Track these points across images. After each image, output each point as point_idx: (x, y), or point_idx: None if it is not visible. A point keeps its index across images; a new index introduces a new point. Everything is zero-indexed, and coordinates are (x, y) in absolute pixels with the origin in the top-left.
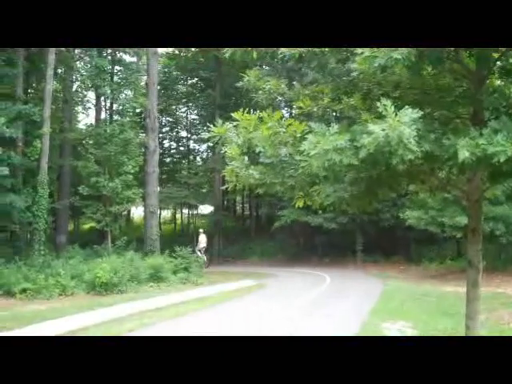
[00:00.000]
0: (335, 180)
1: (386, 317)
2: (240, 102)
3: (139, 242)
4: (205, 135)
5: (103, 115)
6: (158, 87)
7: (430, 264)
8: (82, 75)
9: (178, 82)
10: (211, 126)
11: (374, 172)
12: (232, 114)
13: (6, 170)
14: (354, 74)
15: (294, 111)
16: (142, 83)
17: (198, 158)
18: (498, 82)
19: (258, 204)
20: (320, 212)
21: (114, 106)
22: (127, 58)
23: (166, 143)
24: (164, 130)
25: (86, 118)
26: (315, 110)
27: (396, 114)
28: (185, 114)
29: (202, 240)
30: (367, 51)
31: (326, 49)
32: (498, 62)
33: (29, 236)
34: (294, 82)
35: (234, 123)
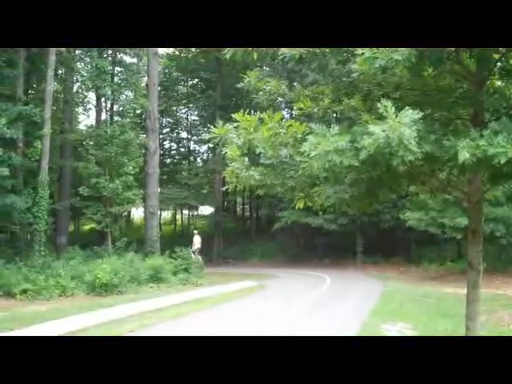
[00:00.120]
0: (336, 181)
1: (386, 318)
2: (240, 102)
3: (139, 243)
4: (205, 136)
5: (104, 116)
6: (159, 88)
7: (430, 265)
8: (82, 76)
9: (179, 83)
10: (212, 127)
11: (375, 173)
12: (232, 115)
13: (6, 171)
14: (355, 75)
15: (294, 112)
16: (143, 84)
17: (198, 159)
18: (499, 83)
19: (258, 205)
20: (320, 213)
21: (115, 107)
22: (128, 59)
23: (167, 144)
24: (164, 131)
25: (86, 119)
26: (316, 111)
27: (396, 115)
28: (185, 115)
29: (197, 241)
30: (368, 52)
31: (327, 50)
32: (499, 63)
33: (29, 237)
34: (295, 83)
35: (235, 124)
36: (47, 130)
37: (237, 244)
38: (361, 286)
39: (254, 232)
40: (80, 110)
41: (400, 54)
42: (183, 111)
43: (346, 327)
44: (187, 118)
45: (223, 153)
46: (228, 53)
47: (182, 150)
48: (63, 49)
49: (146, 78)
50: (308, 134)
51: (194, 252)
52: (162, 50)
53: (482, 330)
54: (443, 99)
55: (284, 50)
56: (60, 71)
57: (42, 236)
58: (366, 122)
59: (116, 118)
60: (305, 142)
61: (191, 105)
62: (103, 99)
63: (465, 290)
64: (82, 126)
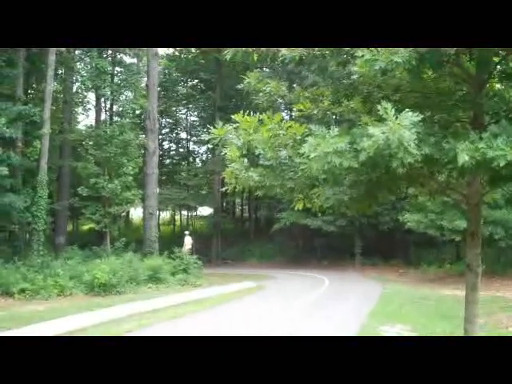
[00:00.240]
0: (335, 183)
1: (385, 320)
2: (240, 103)
3: (138, 244)
4: (205, 137)
5: (103, 116)
6: (158, 89)
7: (429, 267)
8: (82, 76)
9: (178, 84)
10: (211, 127)
11: (374, 175)
12: (232, 116)
13: (5, 170)
14: (355, 76)
15: (293, 114)
16: (142, 85)
17: (197, 160)
18: (498, 86)
19: (257, 206)
20: (319, 215)
21: (114, 108)
22: (127, 59)
23: (166, 145)
24: (164, 131)
25: (85, 119)
26: (315, 112)
27: (396, 117)
28: (185, 116)
29: (188, 242)
30: (368, 54)
31: (327, 51)
32: (498, 66)
33: (28, 236)
34: (295, 85)
35: (234, 125)
36: (46, 129)
37: (236, 245)
38: (360, 288)
39: (252, 233)
40: (79, 110)
41: (400, 56)
42: (183, 112)
43: (345, 328)
44: (187, 119)
45: (222, 154)
46: (228, 53)
47: (182, 150)
48: (63, 49)
49: (145, 79)
50: (307, 136)
51: (185, 253)
52: (161, 51)
53: (480, 332)
54: (443, 102)
55: (284, 52)
56: (60, 71)
57: (40, 235)
58: (366, 124)
59: (115, 119)
60: (304, 144)
61: (191, 105)
62: (103, 99)
63: (463, 293)
64: (81, 126)
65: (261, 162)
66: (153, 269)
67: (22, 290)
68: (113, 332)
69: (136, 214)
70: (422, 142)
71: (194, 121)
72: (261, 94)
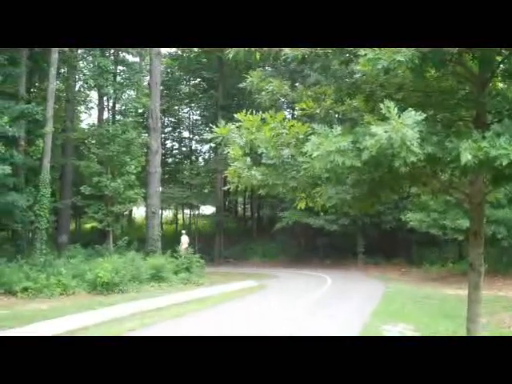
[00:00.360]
0: (337, 182)
1: (387, 319)
2: (243, 102)
3: (141, 242)
4: (207, 136)
5: (106, 115)
6: (161, 87)
7: (432, 266)
8: (84, 75)
9: (181, 83)
10: (214, 126)
11: (377, 174)
12: (235, 115)
13: (8, 169)
14: (357, 75)
15: (296, 113)
16: (145, 83)
17: (200, 159)
18: (501, 85)
19: (259, 205)
20: (322, 214)
21: (117, 106)
22: (130, 58)
23: (169, 143)
24: (166, 130)
25: (88, 118)
26: (318, 111)
27: (399, 116)
28: (187, 115)
29: (184, 241)
30: (370, 53)
31: (329, 50)
32: (501, 65)
33: (30, 235)
34: (297, 84)
35: (237, 124)
36: (49, 128)
37: (238, 244)
38: (362, 287)
39: (255, 232)
40: (82, 108)
41: (403, 55)
42: (185, 111)
43: (348, 327)
44: (189, 118)
45: (225, 152)
46: (230, 53)
47: (184, 149)
48: (66, 48)
49: (148, 77)
50: (310, 135)
51: (182, 252)
52: (164, 50)
53: (483, 332)
54: (446, 100)
55: (287, 51)
56: (62, 70)
57: (43, 234)
58: (369, 123)
59: (118, 117)
60: (307, 143)
61: (193, 104)
62: (105, 98)
63: (466, 292)
64: (84, 125)
65: (263, 160)
66: (155, 267)
67: (25, 289)
68: (115, 331)
69: (139, 212)
70: (424, 140)
71: (196, 120)
72: (263, 92)
